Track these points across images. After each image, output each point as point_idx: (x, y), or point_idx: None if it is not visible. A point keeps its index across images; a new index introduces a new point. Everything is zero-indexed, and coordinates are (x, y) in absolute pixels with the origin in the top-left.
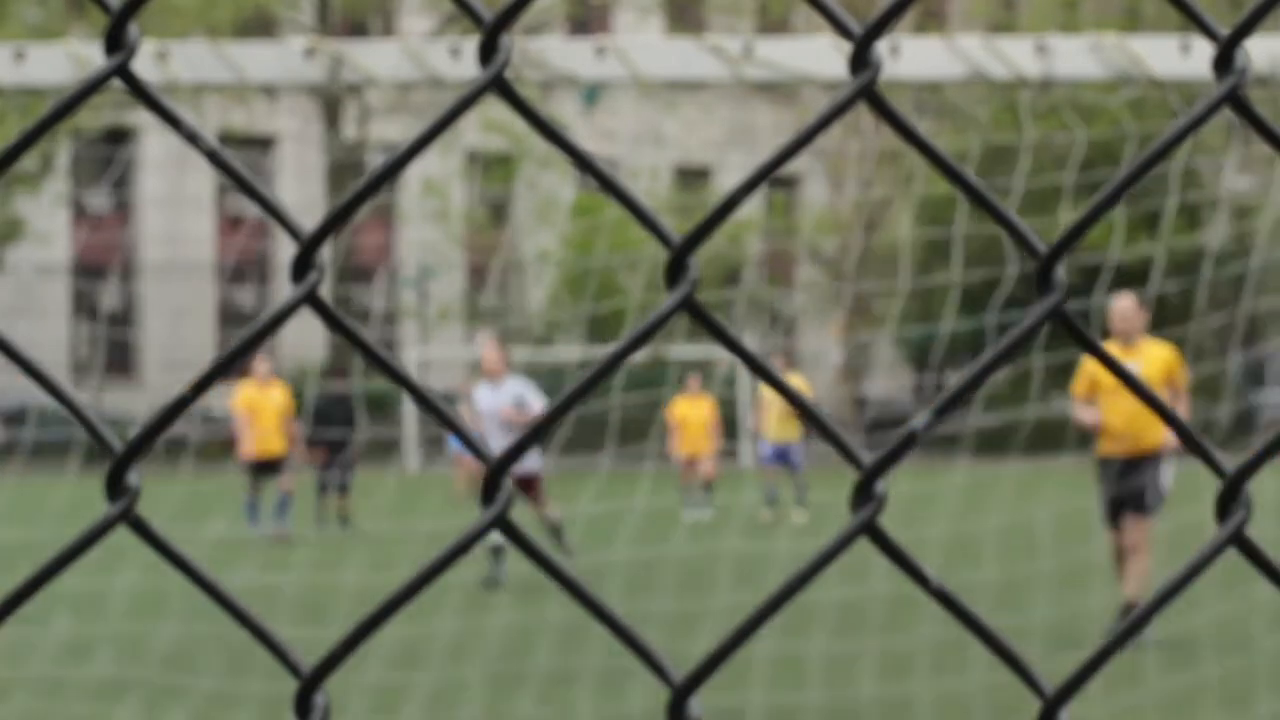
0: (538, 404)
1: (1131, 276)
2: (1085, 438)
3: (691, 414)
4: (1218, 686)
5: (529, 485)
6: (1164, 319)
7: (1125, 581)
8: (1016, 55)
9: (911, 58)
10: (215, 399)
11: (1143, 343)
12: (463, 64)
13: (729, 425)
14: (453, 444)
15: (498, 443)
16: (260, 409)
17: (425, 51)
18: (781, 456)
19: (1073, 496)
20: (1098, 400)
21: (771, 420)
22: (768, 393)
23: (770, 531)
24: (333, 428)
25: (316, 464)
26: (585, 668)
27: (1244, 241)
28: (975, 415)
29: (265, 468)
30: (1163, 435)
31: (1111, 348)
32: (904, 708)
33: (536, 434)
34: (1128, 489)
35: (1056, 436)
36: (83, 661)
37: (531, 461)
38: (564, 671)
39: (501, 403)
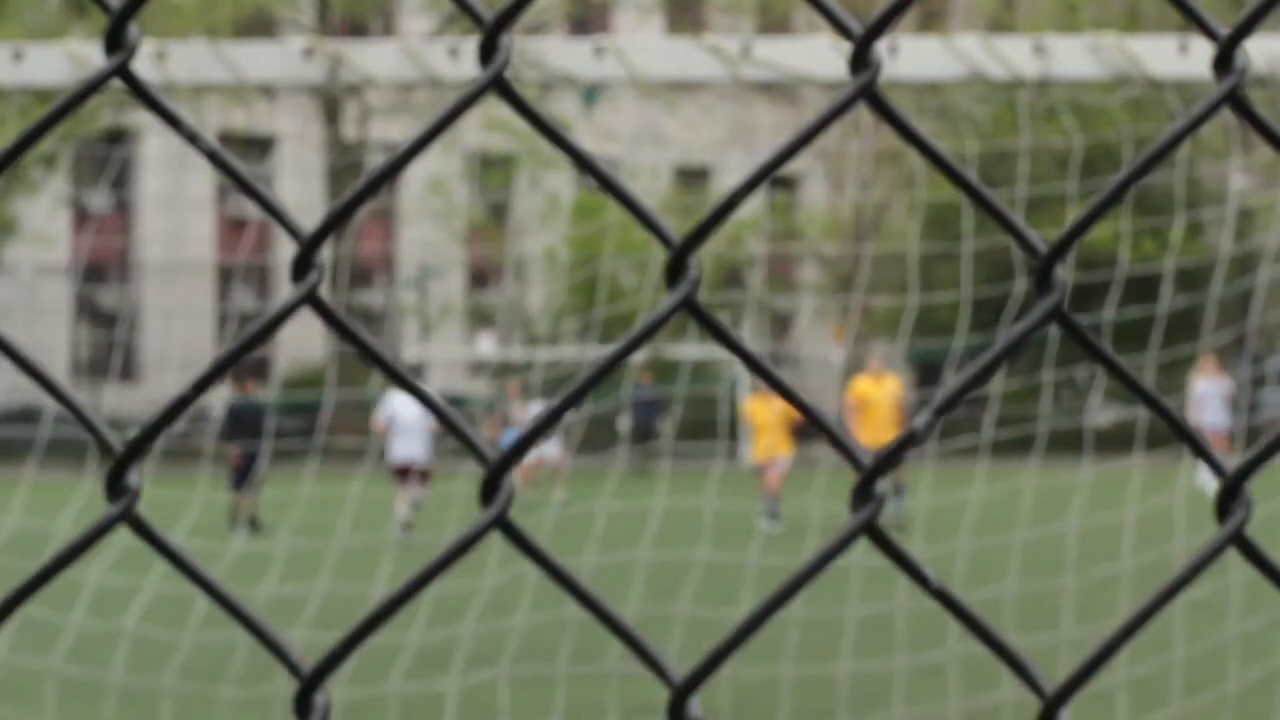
0: None
1: (1140, 288)
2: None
3: (761, 412)
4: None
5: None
6: (1174, 329)
7: None
8: (1015, 55)
9: (910, 58)
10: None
11: None
12: (462, 64)
13: (730, 426)
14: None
15: None
16: None
17: (424, 52)
18: None
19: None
20: None
21: None
22: None
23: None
24: (244, 431)
25: (230, 466)
26: (613, 653)
27: (1246, 242)
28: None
29: None
30: None
31: None
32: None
33: (536, 433)
34: None
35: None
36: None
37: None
38: (590, 660)
39: None
